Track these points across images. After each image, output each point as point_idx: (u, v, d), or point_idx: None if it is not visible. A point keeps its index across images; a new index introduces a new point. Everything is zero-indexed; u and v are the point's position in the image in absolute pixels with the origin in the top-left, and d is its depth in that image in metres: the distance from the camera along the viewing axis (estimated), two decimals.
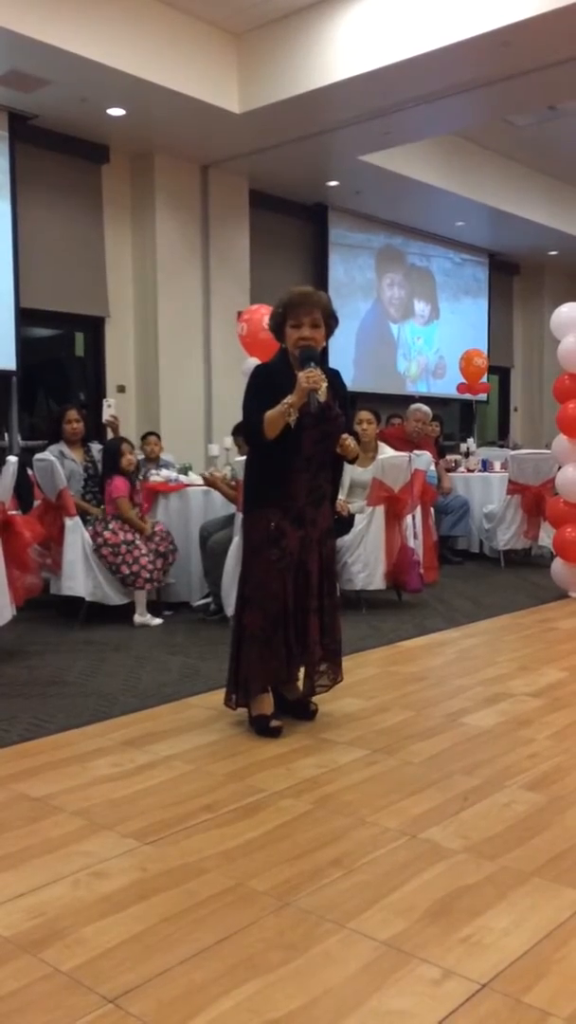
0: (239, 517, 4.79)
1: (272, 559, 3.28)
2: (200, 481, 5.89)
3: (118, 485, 5.38)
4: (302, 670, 3.50)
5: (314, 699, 3.50)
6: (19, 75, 6.80)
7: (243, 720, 3.42)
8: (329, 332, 3.35)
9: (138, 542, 5.35)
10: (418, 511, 6.08)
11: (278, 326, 3.34)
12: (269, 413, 3.20)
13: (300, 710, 3.46)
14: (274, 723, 3.32)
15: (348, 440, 3.35)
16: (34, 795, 2.74)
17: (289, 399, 3.16)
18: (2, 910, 2.06)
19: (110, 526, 5.35)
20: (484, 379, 10.84)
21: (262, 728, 3.31)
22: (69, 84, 6.96)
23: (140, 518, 5.46)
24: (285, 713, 3.46)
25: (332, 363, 10.13)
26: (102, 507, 5.55)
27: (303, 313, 3.26)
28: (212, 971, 1.80)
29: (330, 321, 3.33)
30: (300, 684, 3.53)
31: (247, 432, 3.34)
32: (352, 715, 3.52)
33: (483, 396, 11.57)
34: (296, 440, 3.24)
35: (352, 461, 3.54)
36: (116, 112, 7.58)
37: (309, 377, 3.15)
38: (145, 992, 1.74)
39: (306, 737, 3.26)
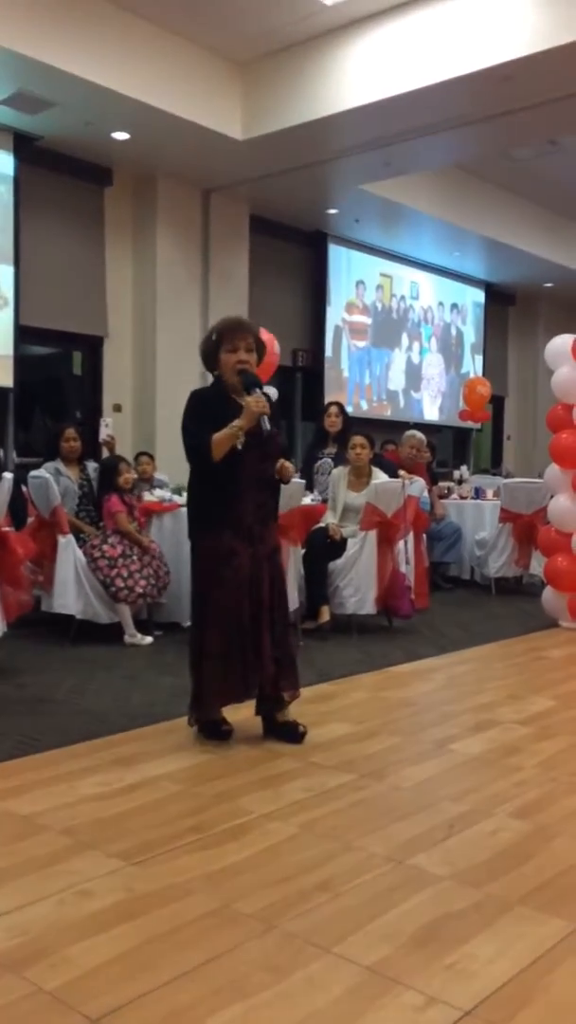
0: None
1: (225, 578, 3.33)
2: None
3: (115, 502, 5.47)
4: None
5: (302, 723, 3.50)
6: (25, 97, 6.88)
7: (231, 742, 3.42)
8: (259, 360, 3.46)
9: (135, 557, 5.41)
10: (410, 537, 6.10)
11: (211, 353, 3.43)
12: (216, 436, 3.30)
13: (289, 733, 3.46)
14: (225, 727, 3.42)
15: (286, 464, 3.45)
16: (21, 813, 2.74)
17: (238, 422, 3.28)
18: None
19: (110, 540, 5.41)
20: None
21: (213, 731, 3.41)
22: (75, 107, 7.04)
23: (138, 532, 5.55)
24: (273, 736, 3.47)
25: (327, 388, 10.11)
26: (102, 524, 5.60)
27: (238, 338, 3.37)
28: (196, 993, 1.80)
29: (260, 349, 3.45)
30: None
31: (193, 455, 3.42)
32: (340, 739, 3.52)
33: (478, 424, 11.62)
34: (239, 461, 3.32)
35: (287, 482, 3.61)
36: (120, 136, 7.66)
37: (258, 402, 3.26)
38: (129, 1013, 1.74)
39: (294, 760, 3.26)
